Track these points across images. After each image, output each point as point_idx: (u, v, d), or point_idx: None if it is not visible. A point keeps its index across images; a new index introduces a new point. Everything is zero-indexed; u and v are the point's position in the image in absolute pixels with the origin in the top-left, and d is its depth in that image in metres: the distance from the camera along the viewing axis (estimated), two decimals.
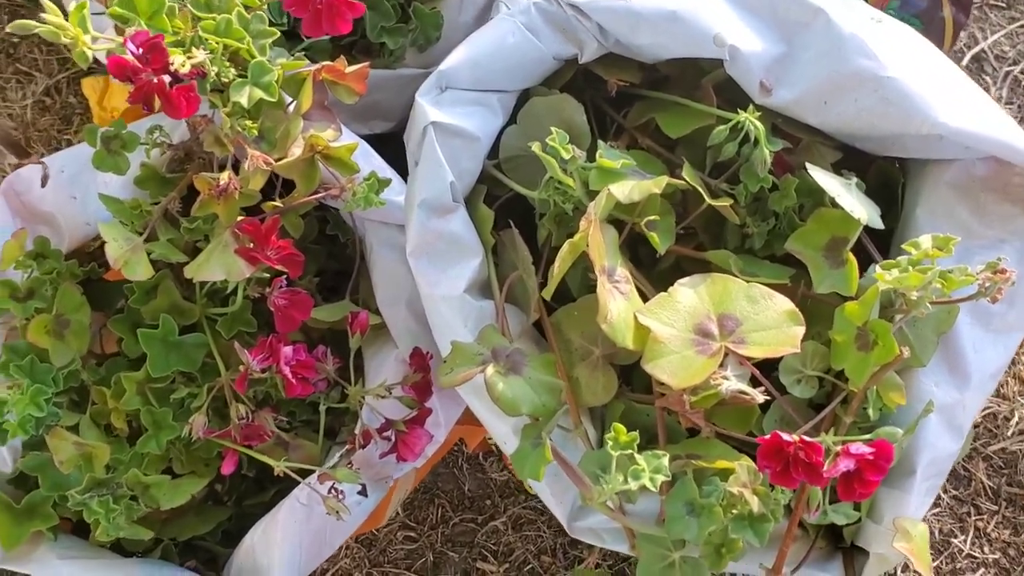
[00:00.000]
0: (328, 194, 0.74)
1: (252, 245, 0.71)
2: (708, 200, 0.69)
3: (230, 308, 0.77)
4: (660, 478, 0.58)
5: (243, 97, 0.67)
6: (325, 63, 0.71)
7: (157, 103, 0.58)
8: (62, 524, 0.80)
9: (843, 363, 0.65)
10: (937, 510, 1.14)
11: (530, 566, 1.14)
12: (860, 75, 0.69)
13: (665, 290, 0.67)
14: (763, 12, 0.72)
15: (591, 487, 0.63)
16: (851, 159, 0.77)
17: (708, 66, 0.77)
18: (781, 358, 0.69)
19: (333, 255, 0.88)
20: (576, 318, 0.73)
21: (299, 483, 0.83)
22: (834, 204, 0.69)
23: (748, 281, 0.66)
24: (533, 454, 0.64)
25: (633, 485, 0.58)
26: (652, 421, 0.72)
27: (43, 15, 0.59)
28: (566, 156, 0.68)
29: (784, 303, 0.64)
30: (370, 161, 0.77)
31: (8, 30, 0.59)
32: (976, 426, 1.16)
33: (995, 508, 1.13)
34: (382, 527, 1.15)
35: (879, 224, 0.69)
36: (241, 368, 0.71)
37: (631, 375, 0.75)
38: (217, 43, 0.66)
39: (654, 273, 0.77)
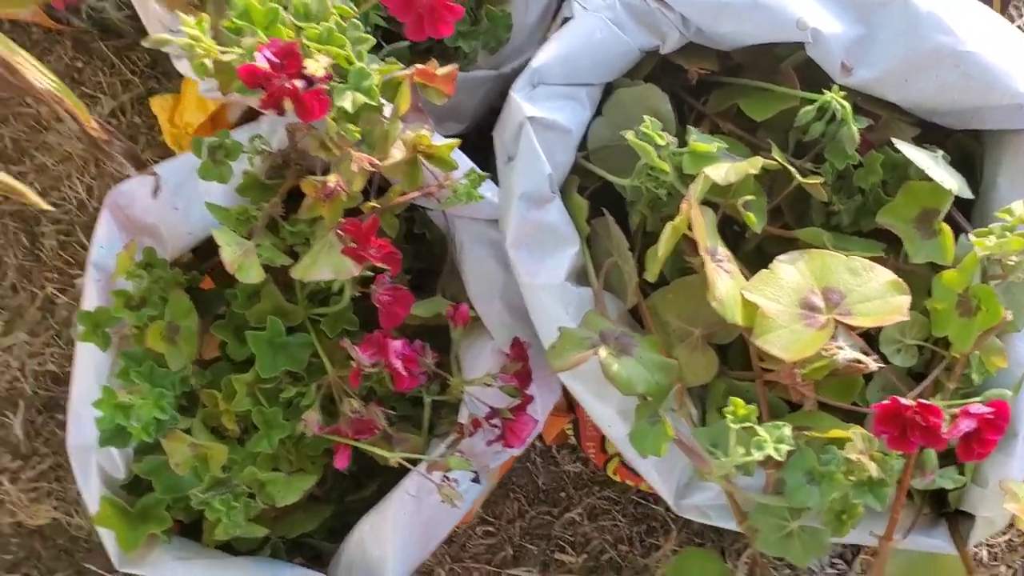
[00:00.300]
0: (425, 192, 0.77)
1: (354, 245, 0.73)
2: (799, 179, 0.71)
3: (332, 308, 0.79)
4: (784, 447, 0.60)
5: (347, 102, 0.69)
6: (418, 66, 0.73)
7: (288, 106, 0.60)
8: (172, 527, 0.83)
9: (945, 330, 0.67)
10: None
11: (608, 555, 1.16)
12: (939, 51, 0.71)
13: (751, 271, 0.69)
14: None
15: (709, 462, 0.65)
16: (929, 133, 0.78)
17: (782, 52, 0.79)
18: (879, 330, 0.71)
19: (419, 254, 0.90)
20: (671, 301, 0.75)
21: (401, 477, 0.86)
22: (921, 177, 0.71)
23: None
24: (652, 431, 0.66)
25: (758, 455, 0.60)
26: (753, 398, 0.73)
27: (170, 33, 0.61)
28: (660, 143, 0.70)
29: (886, 274, 0.66)
30: (461, 159, 0.79)
31: (145, 44, 0.61)
32: None
33: None
34: (460, 524, 1.17)
35: (968, 194, 0.71)
36: (353, 364, 0.73)
37: (727, 354, 0.77)
38: (319, 50, 0.69)
39: (738, 255, 0.79)
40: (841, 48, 0.73)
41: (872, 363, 0.62)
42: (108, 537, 0.81)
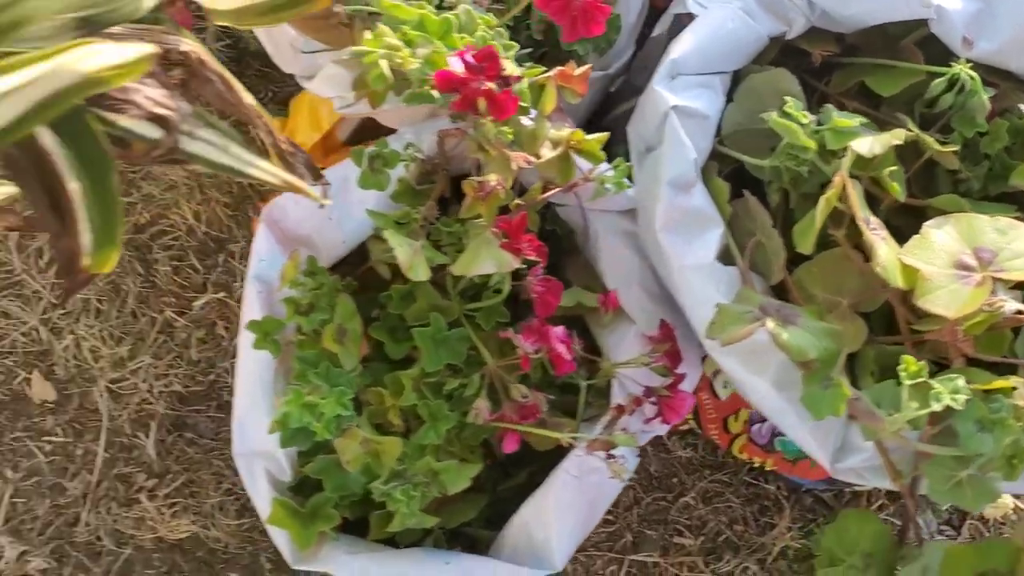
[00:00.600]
0: (566, 188, 0.80)
1: (507, 240, 0.77)
2: (936, 148, 0.75)
3: (486, 302, 0.83)
4: (962, 396, 0.64)
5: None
6: (559, 68, 0.77)
7: (482, 106, 0.64)
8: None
9: None
10: None
11: (724, 536, 1.19)
12: None
13: (882, 240, 0.72)
14: None
15: (882, 419, 0.68)
16: None
17: (896, 31, 0.83)
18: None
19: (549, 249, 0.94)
20: (816, 274, 0.78)
21: (550, 463, 0.89)
22: None
23: None
24: (827, 394, 0.69)
25: (936, 407, 0.64)
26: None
27: (347, 50, 0.65)
28: (804, 121, 0.74)
29: None
30: None
31: (344, 57, 0.65)
32: None
33: None
34: None
35: None
36: (518, 352, 0.77)
37: (870, 322, 0.81)
38: None
39: None
40: (962, 23, 0.77)
41: None
42: (281, 537, 0.84)
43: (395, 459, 0.79)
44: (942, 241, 0.70)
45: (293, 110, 1.12)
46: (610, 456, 0.79)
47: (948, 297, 0.68)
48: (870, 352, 0.78)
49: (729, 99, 0.81)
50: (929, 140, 0.76)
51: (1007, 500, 1.19)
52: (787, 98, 0.74)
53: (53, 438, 1.16)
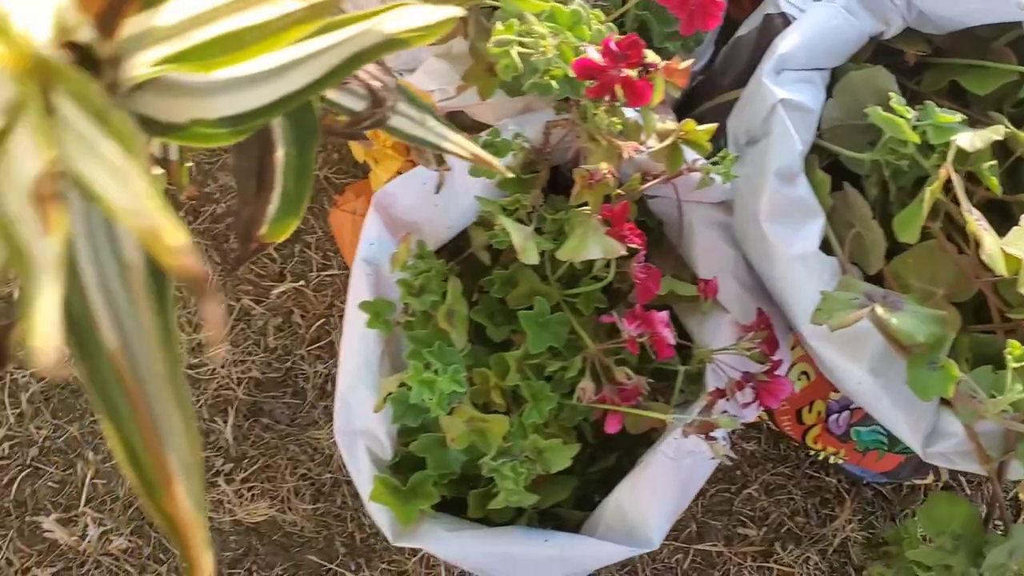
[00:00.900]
0: (665, 179, 0.83)
1: (610, 228, 0.80)
2: None
3: (585, 287, 0.85)
4: None
5: None
6: (666, 62, 0.80)
7: (619, 92, 0.67)
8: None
9: None
10: None
11: (786, 527, 1.22)
12: None
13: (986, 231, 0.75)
14: None
15: (985, 401, 0.71)
16: None
17: (986, 33, 0.86)
18: None
19: None
20: (912, 265, 0.81)
21: (638, 447, 0.92)
22: None
23: None
24: (935, 375, 0.72)
25: None
26: (994, 350, 0.79)
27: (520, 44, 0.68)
28: (908, 116, 0.76)
29: None
30: None
31: (493, 49, 0.68)
32: None
33: None
34: None
35: None
36: (625, 336, 0.80)
37: (963, 311, 0.83)
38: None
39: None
40: None
41: None
42: (383, 513, 0.87)
43: (501, 437, 0.82)
44: None
45: None
46: (710, 438, 0.82)
47: None
48: (964, 340, 0.80)
49: (827, 95, 0.84)
50: (1022, 137, 0.79)
51: None
52: (891, 94, 0.77)
53: None
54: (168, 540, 1.15)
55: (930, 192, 0.73)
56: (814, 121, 0.81)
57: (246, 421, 1.19)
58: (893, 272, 0.81)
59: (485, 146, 0.81)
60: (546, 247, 0.83)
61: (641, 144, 0.78)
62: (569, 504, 0.93)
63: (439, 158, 0.75)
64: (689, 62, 0.82)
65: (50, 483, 1.17)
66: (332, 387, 1.18)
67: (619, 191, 0.83)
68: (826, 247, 0.82)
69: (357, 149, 1.18)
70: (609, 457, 0.94)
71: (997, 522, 0.87)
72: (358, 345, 0.87)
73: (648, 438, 0.94)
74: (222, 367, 1.19)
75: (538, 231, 0.85)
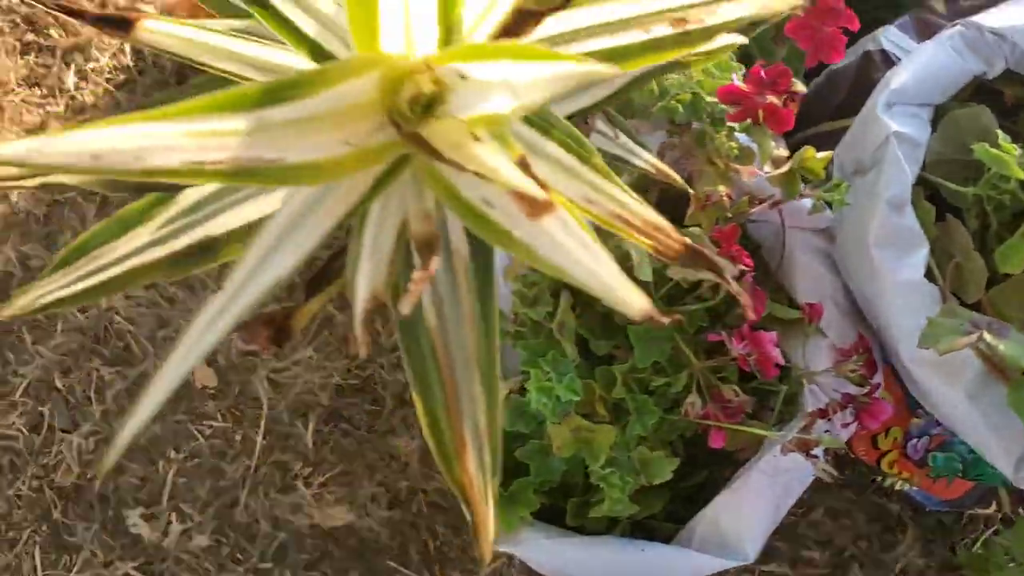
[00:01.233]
0: (771, 204, 0.87)
1: (720, 248, 0.83)
2: None
3: (690, 306, 0.88)
4: None
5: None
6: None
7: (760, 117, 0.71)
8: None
9: None
10: None
11: (849, 552, 1.24)
12: None
13: None
14: None
15: None
16: None
17: None
18: None
19: None
20: (1010, 294, 0.84)
21: (727, 465, 0.95)
22: None
23: None
24: None
25: None
26: None
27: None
28: (1015, 154, 0.80)
29: None
30: None
31: None
32: None
33: None
34: None
35: None
36: (734, 354, 0.83)
37: None
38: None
39: None
40: None
41: None
42: None
43: (608, 447, 0.85)
44: None
45: None
46: (811, 456, 0.85)
47: None
48: None
49: (931, 129, 0.87)
50: None
51: None
52: (999, 132, 0.80)
53: (213, 423, 1.22)
54: (245, 541, 1.18)
55: None
56: (921, 154, 0.84)
57: (325, 426, 1.22)
58: (992, 301, 0.84)
59: None
60: (655, 265, 0.86)
61: (758, 170, 0.82)
62: (660, 516, 0.96)
63: None
64: (802, 91, 0.86)
65: (132, 479, 1.20)
66: (410, 396, 1.21)
67: (728, 214, 0.87)
68: (928, 275, 0.85)
69: None
70: (701, 472, 0.97)
71: None
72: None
73: (731, 456, 0.97)
74: (305, 371, 1.22)
75: None
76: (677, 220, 0.85)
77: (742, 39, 0.38)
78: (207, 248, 0.38)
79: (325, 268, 0.47)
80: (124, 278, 0.37)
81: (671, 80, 0.74)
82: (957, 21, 0.86)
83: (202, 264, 0.39)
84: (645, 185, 0.91)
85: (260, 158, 0.29)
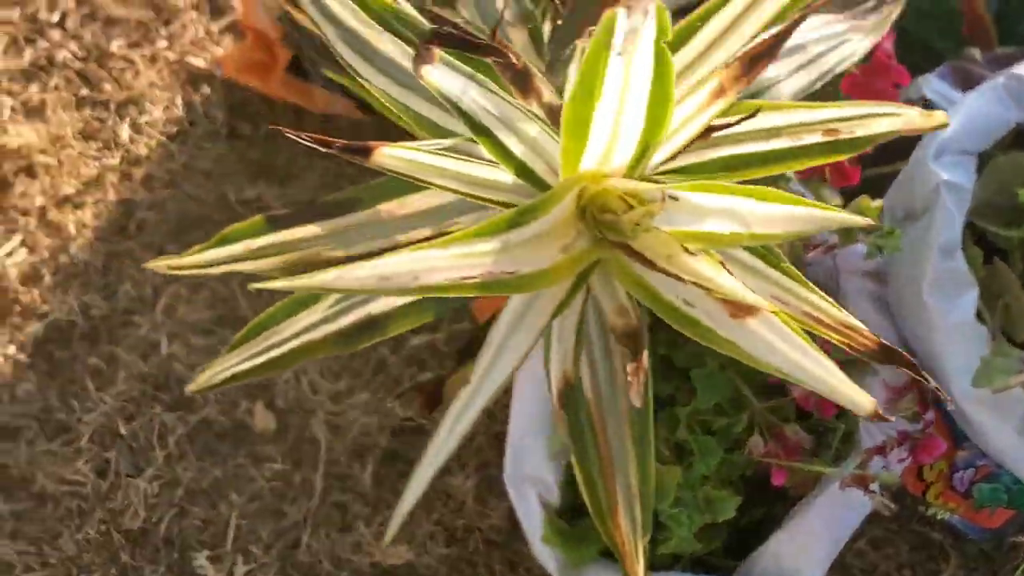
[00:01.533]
0: (825, 249, 0.91)
1: None
2: None
3: None
4: None
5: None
6: None
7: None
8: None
9: None
10: None
11: None
12: None
13: None
14: None
15: None
16: None
17: None
18: None
19: None
20: None
21: (784, 501, 0.98)
22: None
23: None
24: None
25: None
26: None
27: None
28: None
29: None
30: None
31: None
32: None
33: None
34: None
35: None
36: (794, 395, 0.86)
37: None
38: None
39: None
40: None
41: None
42: (550, 556, 0.93)
43: (675, 487, 0.88)
44: None
45: None
46: (869, 491, 0.88)
47: None
48: None
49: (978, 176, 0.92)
50: None
51: None
52: None
53: (273, 465, 1.25)
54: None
55: None
56: (967, 200, 0.88)
57: (382, 468, 1.25)
58: None
59: None
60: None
61: None
62: (719, 553, 0.99)
63: None
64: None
65: (196, 522, 1.23)
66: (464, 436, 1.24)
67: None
68: (977, 316, 0.89)
69: None
70: (758, 509, 1.00)
71: None
72: (529, 394, 0.93)
73: (786, 493, 1.01)
74: (362, 414, 1.26)
75: None
76: None
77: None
78: (368, 326, 0.42)
79: (470, 340, 0.51)
80: (296, 354, 0.41)
81: None
82: (998, 72, 0.90)
83: (366, 340, 0.43)
84: None
85: (504, 272, 0.35)
